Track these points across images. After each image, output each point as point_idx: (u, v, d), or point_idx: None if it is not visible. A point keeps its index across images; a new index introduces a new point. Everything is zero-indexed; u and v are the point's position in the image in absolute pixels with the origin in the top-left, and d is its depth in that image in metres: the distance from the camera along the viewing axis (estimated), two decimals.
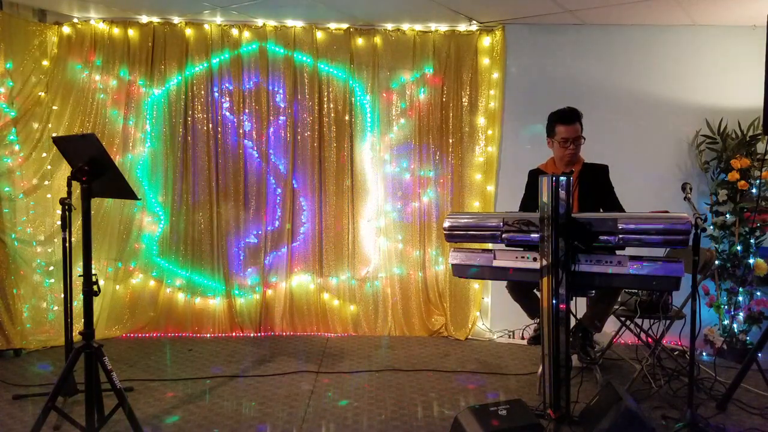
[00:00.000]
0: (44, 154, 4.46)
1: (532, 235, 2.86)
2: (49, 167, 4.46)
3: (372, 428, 3.11)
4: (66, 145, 2.98)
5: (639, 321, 3.73)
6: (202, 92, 4.79)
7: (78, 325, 3.38)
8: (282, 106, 4.85)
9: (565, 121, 3.42)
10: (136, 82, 4.74)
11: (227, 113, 4.84)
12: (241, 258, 4.89)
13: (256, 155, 4.86)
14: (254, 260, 4.89)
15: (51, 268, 4.46)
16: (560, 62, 4.72)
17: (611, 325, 3.70)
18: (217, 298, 4.86)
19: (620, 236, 2.71)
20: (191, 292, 4.85)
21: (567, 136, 3.40)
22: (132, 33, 4.73)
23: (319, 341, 4.68)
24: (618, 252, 2.92)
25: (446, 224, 3.09)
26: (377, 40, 4.81)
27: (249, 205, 4.86)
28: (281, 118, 4.86)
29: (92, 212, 2.76)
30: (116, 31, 4.71)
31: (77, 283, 2.93)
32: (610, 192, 3.52)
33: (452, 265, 3.12)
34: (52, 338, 4.36)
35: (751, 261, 4.29)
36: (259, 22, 4.77)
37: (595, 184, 3.50)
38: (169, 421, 3.15)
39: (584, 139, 3.52)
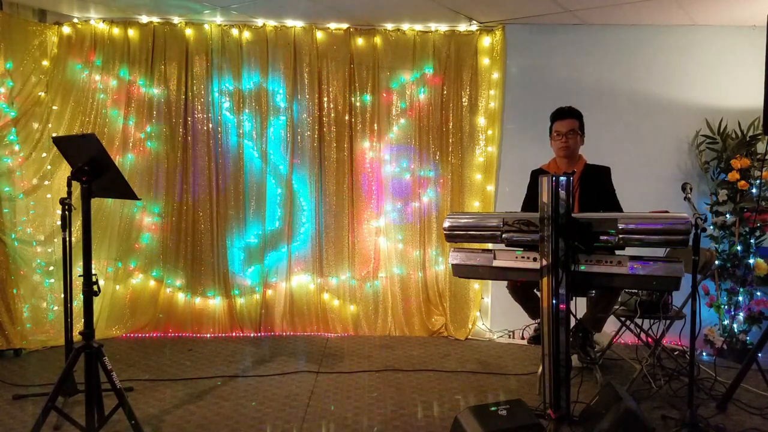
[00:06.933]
0: (44, 154, 4.46)
1: (532, 235, 2.85)
2: (49, 167, 4.46)
3: (372, 428, 3.11)
4: (66, 145, 2.98)
5: (639, 321, 3.73)
6: (202, 92, 4.79)
7: (78, 325, 3.39)
8: (282, 106, 4.85)
9: (559, 116, 3.58)
10: (136, 82, 4.74)
11: (227, 113, 4.84)
12: (241, 258, 4.89)
13: (256, 155, 4.86)
14: (254, 260, 4.89)
15: (51, 268, 4.46)
16: (560, 62, 4.72)
17: (611, 325, 3.70)
18: (217, 298, 4.87)
19: (620, 236, 2.71)
20: (191, 292, 4.85)
21: (560, 129, 3.53)
22: (132, 33, 4.73)
23: (319, 341, 4.68)
24: (618, 252, 2.92)
25: (446, 224, 3.10)
26: (377, 40, 4.81)
27: (249, 205, 4.86)
28: (281, 118, 4.86)
29: (92, 212, 2.76)
30: (116, 31, 4.71)
31: (77, 283, 2.93)
32: (612, 195, 3.52)
33: (452, 265, 3.11)
34: (52, 338, 4.36)
35: (751, 261, 4.29)
36: (259, 22, 4.77)
37: (596, 185, 3.51)
38: (169, 421, 3.15)
39: (582, 136, 3.55)
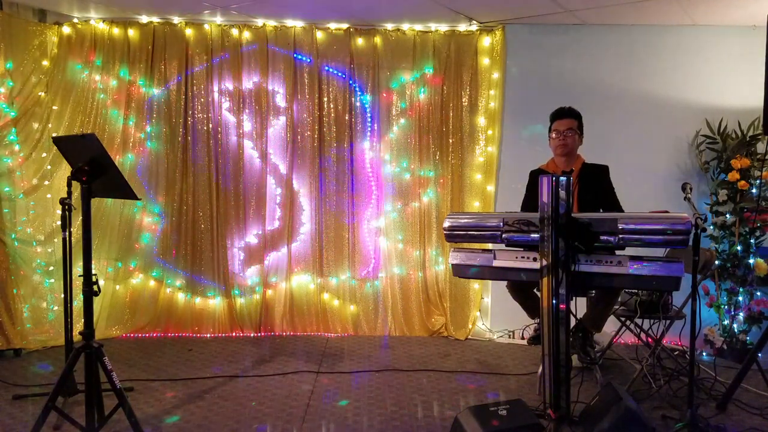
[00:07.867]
0: (44, 154, 4.46)
1: (532, 235, 2.85)
2: (49, 167, 4.46)
3: (372, 428, 3.11)
4: (66, 145, 2.98)
5: (639, 321, 3.73)
6: (202, 92, 4.79)
7: (78, 325, 3.39)
8: (282, 106, 4.85)
9: (558, 116, 3.61)
10: (136, 82, 4.74)
11: (227, 113, 4.84)
12: (241, 258, 4.89)
13: (256, 155, 4.86)
14: (254, 260, 4.89)
15: (51, 268, 4.45)
16: (560, 62, 4.72)
17: (611, 325, 3.70)
18: (217, 298, 4.87)
19: (620, 236, 2.70)
20: (191, 292, 4.85)
21: (558, 128, 3.56)
22: (132, 33, 4.73)
23: (319, 341, 4.68)
24: (618, 252, 2.92)
25: (446, 224, 3.09)
26: (377, 40, 4.81)
27: (249, 205, 4.86)
28: (281, 118, 4.86)
29: (92, 212, 2.76)
30: (116, 31, 4.71)
31: (77, 283, 2.92)
32: (611, 192, 3.53)
33: (452, 265, 3.11)
34: (52, 338, 4.36)
35: (751, 261, 4.29)
36: (259, 22, 4.77)
37: (595, 183, 3.51)
38: (169, 421, 3.15)
39: (580, 136, 3.56)
